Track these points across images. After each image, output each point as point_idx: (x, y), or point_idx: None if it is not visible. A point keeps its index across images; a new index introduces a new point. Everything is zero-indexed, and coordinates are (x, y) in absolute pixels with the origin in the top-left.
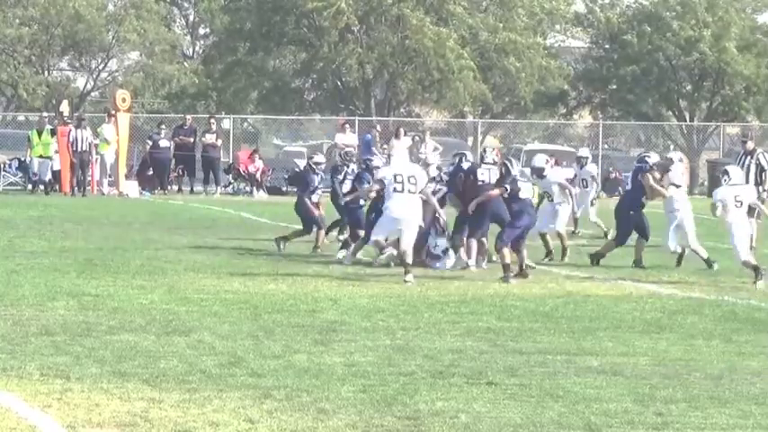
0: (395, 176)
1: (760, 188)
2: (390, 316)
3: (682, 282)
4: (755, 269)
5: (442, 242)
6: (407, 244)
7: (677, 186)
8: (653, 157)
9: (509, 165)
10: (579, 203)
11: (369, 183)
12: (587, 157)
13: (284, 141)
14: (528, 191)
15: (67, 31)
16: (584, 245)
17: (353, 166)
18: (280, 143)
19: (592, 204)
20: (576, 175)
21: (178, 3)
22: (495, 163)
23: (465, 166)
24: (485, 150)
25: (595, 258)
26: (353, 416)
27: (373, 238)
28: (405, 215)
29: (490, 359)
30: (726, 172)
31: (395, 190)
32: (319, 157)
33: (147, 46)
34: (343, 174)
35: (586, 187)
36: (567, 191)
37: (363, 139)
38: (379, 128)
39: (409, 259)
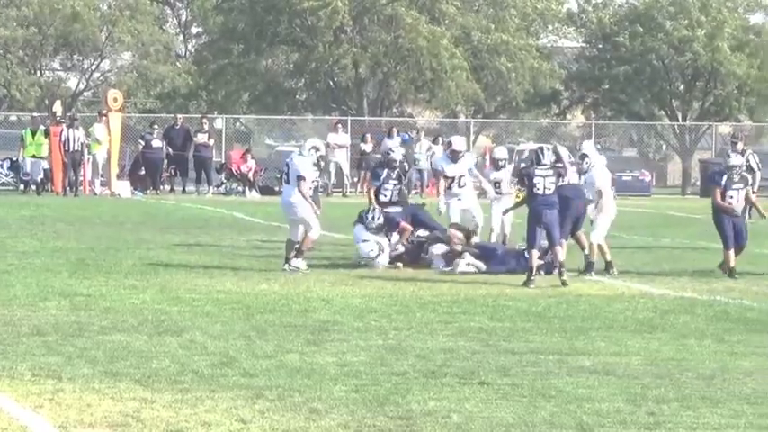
0: (286, 164)
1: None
2: (383, 316)
3: (674, 282)
4: (589, 261)
5: (438, 248)
6: (301, 234)
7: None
8: (733, 159)
9: (540, 154)
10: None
11: (380, 179)
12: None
13: (276, 141)
14: (549, 185)
15: (60, 31)
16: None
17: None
18: (272, 143)
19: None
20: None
21: (171, 2)
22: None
23: None
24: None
25: (728, 272)
26: (346, 416)
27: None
28: (283, 204)
29: (482, 359)
30: (585, 155)
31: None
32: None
33: (141, 47)
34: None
35: None
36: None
37: (402, 139)
38: (421, 133)
39: (291, 251)
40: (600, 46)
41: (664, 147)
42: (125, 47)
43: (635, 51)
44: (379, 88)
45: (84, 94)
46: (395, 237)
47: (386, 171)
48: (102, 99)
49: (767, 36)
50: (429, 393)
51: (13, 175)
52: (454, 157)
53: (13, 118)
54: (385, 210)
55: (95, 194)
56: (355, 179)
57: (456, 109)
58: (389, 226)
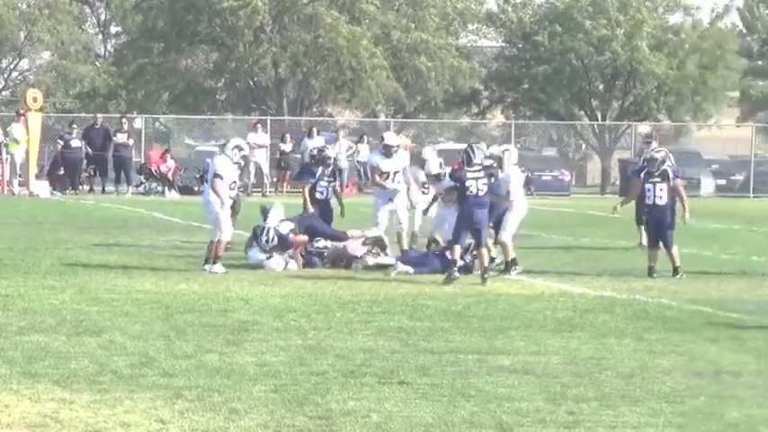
0: (208, 163)
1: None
2: (302, 315)
3: (593, 281)
4: (506, 260)
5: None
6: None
7: None
8: (649, 153)
9: (470, 153)
10: None
11: (315, 176)
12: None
13: (196, 141)
14: (482, 186)
15: None
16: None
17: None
18: (192, 143)
19: None
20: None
21: (90, 2)
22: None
23: None
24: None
25: (648, 271)
26: (265, 416)
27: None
28: (203, 203)
29: (402, 358)
30: (507, 150)
31: None
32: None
33: (60, 46)
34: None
35: None
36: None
37: (328, 138)
38: (344, 132)
39: (216, 252)
40: (519, 45)
41: (583, 146)
42: (44, 46)
43: (554, 51)
44: (299, 88)
45: (2, 93)
46: (291, 250)
47: (320, 168)
48: (21, 98)
49: (686, 36)
50: (348, 393)
51: None
52: (387, 152)
53: None
54: (278, 229)
55: (14, 194)
56: (275, 179)
57: (376, 108)
58: (284, 245)
